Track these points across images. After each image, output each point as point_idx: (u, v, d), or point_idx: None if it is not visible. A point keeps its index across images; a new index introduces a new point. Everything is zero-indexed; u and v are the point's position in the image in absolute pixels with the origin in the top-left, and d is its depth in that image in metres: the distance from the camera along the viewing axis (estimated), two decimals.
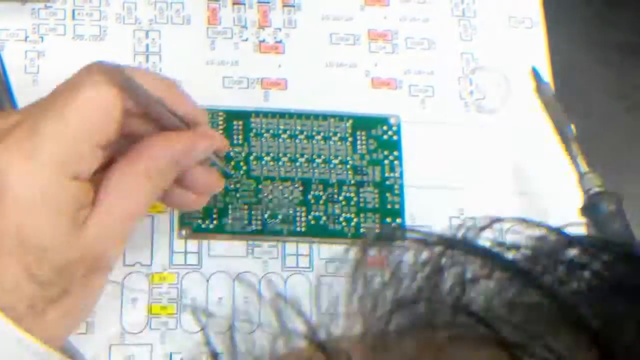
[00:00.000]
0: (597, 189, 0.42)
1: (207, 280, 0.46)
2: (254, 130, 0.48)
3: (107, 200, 0.37)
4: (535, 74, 0.47)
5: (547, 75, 0.51)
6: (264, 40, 0.51)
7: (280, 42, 0.51)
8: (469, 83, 0.51)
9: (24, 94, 0.48)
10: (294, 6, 0.52)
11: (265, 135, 0.48)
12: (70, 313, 0.38)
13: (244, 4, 0.52)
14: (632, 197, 0.52)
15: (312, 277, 0.46)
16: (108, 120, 0.37)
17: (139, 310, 0.46)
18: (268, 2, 0.52)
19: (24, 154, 0.35)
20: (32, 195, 0.35)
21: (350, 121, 0.49)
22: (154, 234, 0.47)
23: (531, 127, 0.50)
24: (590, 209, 0.42)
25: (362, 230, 0.48)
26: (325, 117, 0.49)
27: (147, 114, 0.39)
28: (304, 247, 0.47)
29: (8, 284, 0.35)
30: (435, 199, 0.49)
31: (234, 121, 0.48)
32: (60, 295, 0.37)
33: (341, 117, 0.49)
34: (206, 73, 0.50)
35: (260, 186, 0.48)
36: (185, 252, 0.47)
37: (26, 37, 0.49)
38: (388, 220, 0.48)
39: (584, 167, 0.43)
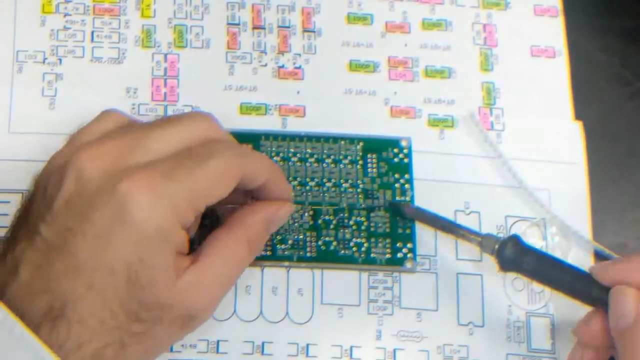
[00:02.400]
0: (497, 246, 0.43)
1: None
2: (264, 154, 0.48)
3: (210, 260, 0.40)
4: (392, 204, 0.48)
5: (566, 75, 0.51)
6: (283, 66, 0.51)
7: (299, 67, 0.51)
8: (490, 113, 0.51)
9: (41, 117, 0.48)
10: (314, 31, 0.52)
11: (275, 158, 0.48)
12: (144, 354, 0.39)
13: (264, 29, 0.51)
14: (637, 183, 0.51)
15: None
16: (217, 197, 0.40)
17: None
18: (288, 27, 0.51)
19: (154, 192, 0.38)
20: (152, 231, 0.37)
21: (361, 144, 0.49)
22: None
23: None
24: (504, 264, 0.43)
25: (372, 255, 0.47)
26: (335, 139, 0.49)
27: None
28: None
29: (106, 316, 0.37)
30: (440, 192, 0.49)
31: (244, 144, 0.48)
32: (144, 333, 0.38)
33: (352, 140, 0.49)
34: (224, 98, 0.49)
35: None
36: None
37: (44, 59, 0.49)
38: (399, 245, 0.47)
39: (475, 238, 0.44)
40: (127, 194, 0.37)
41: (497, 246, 0.43)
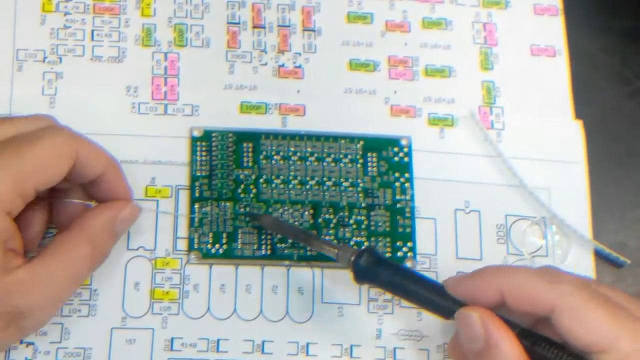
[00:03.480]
0: (352, 257, 0.42)
1: (210, 267, 0.46)
2: (264, 153, 0.48)
3: (49, 261, 0.39)
4: (251, 214, 0.47)
5: (566, 74, 0.52)
6: (283, 65, 0.51)
7: (299, 66, 0.51)
8: (490, 112, 0.51)
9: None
10: (314, 31, 0.52)
11: (275, 157, 0.48)
12: None
13: (264, 28, 0.51)
14: (637, 182, 0.51)
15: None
16: (48, 182, 0.39)
17: (142, 295, 0.46)
18: (289, 26, 0.51)
19: None
20: None
21: (361, 142, 0.49)
22: (158, 218, 0.47)
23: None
24: (358, 274, 0.42)
25: None
26: (336, 138, 0.49)
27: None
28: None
29: None
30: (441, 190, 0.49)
31: (244, 143, 0.48)
32: None
33: (352, 139, 0.49)
34: (224, 97, 0.49)
35: (270, 210, 0.47)
36: (189, 238, 0.47)
37: (44, 58, 0.49)
38: (399, 244, 0.47)
39: (331, 249, 0.44)
40: None
41: (352, 258, 0.42)
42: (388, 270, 0.41)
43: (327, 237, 0.47)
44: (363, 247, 0.43)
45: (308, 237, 0.45)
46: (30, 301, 0.38)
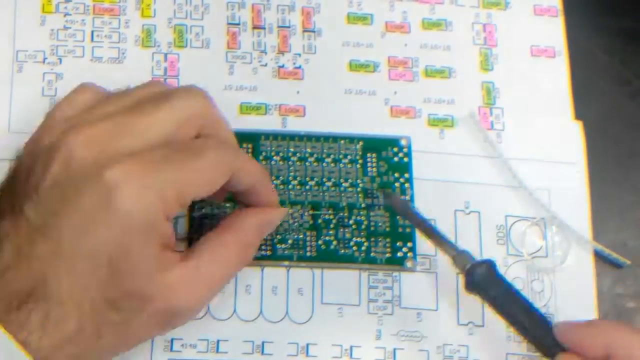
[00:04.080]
0: (470, 264, 0.42)
1: None
2: (264, 153, 0.48)
3: (203, 260, 0.40)
4: (384, 193, 0.48)
5: (565, 74, 0.52)
6: (283, 66, 0.51)
7: (299, 67, 0.51)
8: (490, 113, 0.51)
9: (41, 117, 0.48)
10: (314, 31, 0.52)
11: (275, 158, 0.48)
12: (120, 345, 0.40)
13: (264, 29, 0.51)
14: (637, 183, 0.51)
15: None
16: (206, 192, 0.40)
17: None
18: (288, 27, 0.51)
19: (142, 182, 0.37)
20: (136, 220, 0.37)
21: (361, 143, 0.49)
22: None
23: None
24: (471, 284, 0.42)
25: (372, 254, 0.47)
26: (335, 139, 0.49)
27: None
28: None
29: (84, 302, 0.37)
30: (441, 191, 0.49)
31: (244, 144, 0.48)
32: (122, 324, 0.38)
33: (351, 139, 0.49)
34: (224, 98, 0.49)
35: None
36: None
37: (44, 59, 0.49)
38: (399, 244, 0.47)
39: (452, 251, 0.43)
40: (114, 182, 0.37)
41: (468, 265, 0.42)
42: (502, 289, 0.41)
43: (326, 238, 0.47)
44: (483, 258, 0.43)
45: (430, 231, 0.44)
46: (186, 300, 0.39)
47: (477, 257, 0.47)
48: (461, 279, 0.43)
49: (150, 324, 0.39)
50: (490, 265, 0.42)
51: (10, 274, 0.36)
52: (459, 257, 0.43)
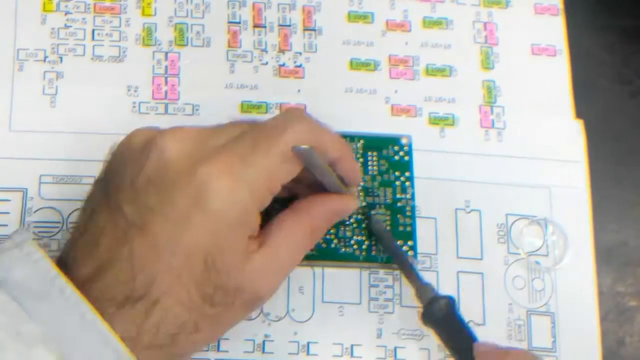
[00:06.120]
0: (431, 296, 0.44)
1: None
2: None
3: (277, 244, 0.41)
4: (364, 211, 0.48)
5: (566, 73, 0.51)
6: (284, 64, 0.51)
7: (300, 66, 0.51)
8: (490, 112, 0.51)
9: (42, 116, 0.48)
10: (315, 30, 0.52)
11: None
12: (213, 335, 0.41)
13: (265, 27, 0.51)
14: (638, 182, 0.51)
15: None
16: (292, 175, 0.40)
17: None
18: (289, 26, 0.51)
19: (233, 177, 0.38)
20: (231, 218, 0.38)
21: (362, 141, 0.49)
22: None
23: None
24: (426, 317, 0.44)
25: (373, 253, 0.47)
26: None
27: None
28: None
29: (182, 299, 0.37)
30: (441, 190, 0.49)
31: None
32: (216, 316, 0.39)
33: (352, 137, 0.49)
34: (225, 97, 0.49)
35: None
36: None
37: (45, 58, 0.49)
38: (399, 242, 0.47)
39: (416, 282, 0.45)
40: (206, 179, 0.37)
41: (429, 298, 0.44)
42: (455, 325, 0.43)
43: (328, 236, 0.47)
44: (443, 294, 0.44)
45: (401, 260, 0.46)
46: (268, 285, 0.40)
47: (478, 257, 0.47)
48: (418, 311, 0.44)
49: (240, 311, 0.40)
50: (448, 301, 0.43)
51: (109, 271, 0.37)
52: (422, 289, 0.44)
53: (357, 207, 0.46)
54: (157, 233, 0.37)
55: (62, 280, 0.36)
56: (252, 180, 0.38)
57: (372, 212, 0.48)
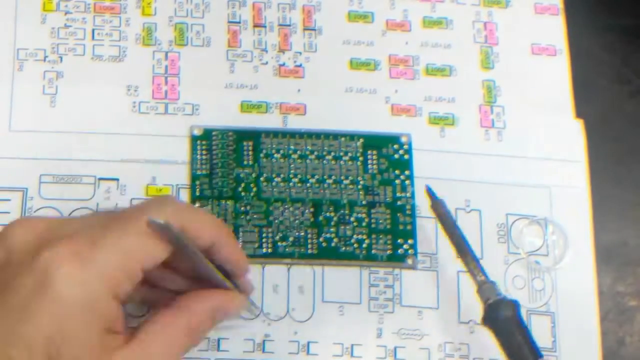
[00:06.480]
0: (494, 298, 0.42)
1: None
2: (264, 151, 0.48)
3: (147, 341, 0.37)
4: (429, 191, 0.46)
5: (566, 73, 0.52)
6: (284, 64, 0.51)
7: (300, 65, 0.51)
8: (490, 111, 0.51)
9: (42, 115, 0.48)
10: (315, 30, 0.52)
11: (275, 155, 0.48)
12: None
13: (265, 27, 0.51)
14: (638, 181, 0.51)
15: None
16: (156, 258, 0.37)
17: None
18: (289, 25, 0.51)
19: (80, 262, 0.35)
20: (76, 304, 0.35)
21: (361, 140, 0.49)
22: None
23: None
24: (489, 318, 0.42)
25: (373, 252, 0.47)
26: (335, 136, 0.49)
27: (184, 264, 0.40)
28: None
29: None
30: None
31: (244, 141, 0.48)
32: None
33: (352, 136, 0.49)
34: (225, 96, 0.49)
35: (270, 208, 0.47)
36: None
37: (45, 57, 0.49)
38: (400, 241, 0.47)
39: (480, 278, 0.43)
40: (50, 264, 0.35)
41: (492, 299, 0.42)
42: (520, 333, 0.41)
43: (327, 235, 0.47)
44: (509, 297, 0.42)
45: (463, 250, 0.44)
46: None
47: (478, 256, 0.47)
48: (481, 310, 0.43)
49: None
50: (514, 306, 0.42)
51: None
52: (486, 286, 0.43)
53: (244, 305, 0.43)
54: None
55: None
56: (102, 263, 0.35)
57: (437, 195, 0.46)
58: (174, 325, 0.39)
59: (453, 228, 0.45)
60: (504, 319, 0.41)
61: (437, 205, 0.46)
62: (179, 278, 0.41)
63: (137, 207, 0.39)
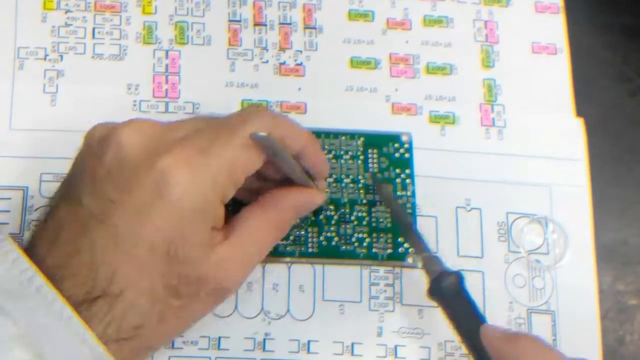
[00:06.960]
0: (438, 271, 0.43)
1: None
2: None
3: (242, 236, 0.41)
4: (373, 178, 0.48)
5: (567, 72, 0.51)
6: (284, 63, 0.51)
7: (300, 64, 0.51)
8: (491, 110, 0.51)
9: (42, 114, 0.48)
10: (315, 28, 0.52)
11: None
12: (181, 326, 0.41)
13: (266, 26, 0.51)
14: (637, 180, 0.51)
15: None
16: (255, 166, 0.40)
17: None
18: (290, 24, 0.51)
19: (193, 168, 0.38)
20: (192, 207, 0.38)
21: (362, 139, 0.49)
22: None
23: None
24: (435, 290, 0.43)
25: (374, 250, 0.47)
26: (336, 135, 0.49)
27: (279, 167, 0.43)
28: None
29: (145, 290, 0.37)
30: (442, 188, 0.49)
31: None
32: (182, 308, 0.39)
33: (352, 135, 0.49)
34: (225, 95, 0.49)
35: None
36: None
37: (45, 56, 0.49)
38: (400, 240, 0.47)
39: (425, 253, 0.45)
40: (166, 170, 0.37)
41: (437, 272, 0.43)
42: (464, 303, 0.43)
43: (328, 234, 0.47)
44: (452, 270, 0.44)
45: (406, 226, 0.46)
46: (233, 277, 0.40)
47: (478, 255, 0.47)
48: (426, 282, 0.44)
49: (206, 303, 0.40)
50: (458, 277, 0.43)
51: (72, 264, 0.37)
52: (430, 260, 0.44)
53: (324, 201, 0.46)
54: (118, 224, 0.37)
55: (39, 279, 0.36)
56: (212, 170, 0.38)
57: (379, 176, 0.48)
58: (263, 220, 0.42)
59: (397, 206, 0.47)
60: (448, 290, 0.43)
61: (380, 188, 0.47)
62: (261, 179, 0.43)
63: (239, 117, 0.41)
